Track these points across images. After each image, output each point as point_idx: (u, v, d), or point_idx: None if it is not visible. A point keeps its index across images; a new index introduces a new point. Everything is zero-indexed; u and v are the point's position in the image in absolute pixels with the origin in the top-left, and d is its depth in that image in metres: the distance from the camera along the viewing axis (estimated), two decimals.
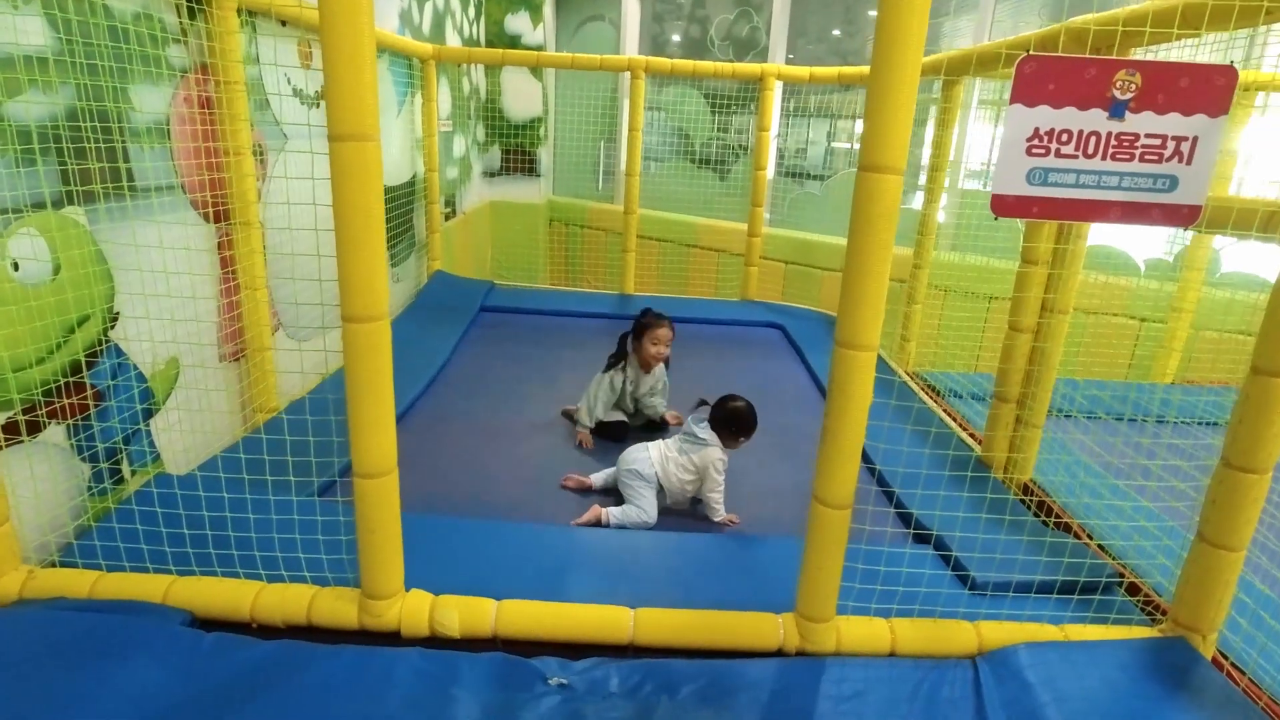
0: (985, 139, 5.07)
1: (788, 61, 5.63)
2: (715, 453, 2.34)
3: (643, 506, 2.31)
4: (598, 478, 2.49)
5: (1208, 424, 2.92)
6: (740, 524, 2.35)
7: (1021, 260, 2.42)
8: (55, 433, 1.90)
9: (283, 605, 1.71)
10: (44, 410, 1.85)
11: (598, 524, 2.27)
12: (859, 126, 5.88)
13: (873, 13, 5.64)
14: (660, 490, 2.37)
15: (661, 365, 2.94)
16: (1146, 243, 4.30)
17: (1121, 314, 4.14)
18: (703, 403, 2.46)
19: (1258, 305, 3.71)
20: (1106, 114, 1.39)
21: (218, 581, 1.76)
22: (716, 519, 2.35)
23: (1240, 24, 1.80)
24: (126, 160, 2.06)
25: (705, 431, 2.39)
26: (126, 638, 1.56)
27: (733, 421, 2.39)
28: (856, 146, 5.90)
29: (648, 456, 2.40)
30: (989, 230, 3.98)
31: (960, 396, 3.33)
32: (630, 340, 2.93)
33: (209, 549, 1.81)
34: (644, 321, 2.89)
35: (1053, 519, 2.27)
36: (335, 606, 1.71)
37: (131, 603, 1.68)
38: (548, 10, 5.92)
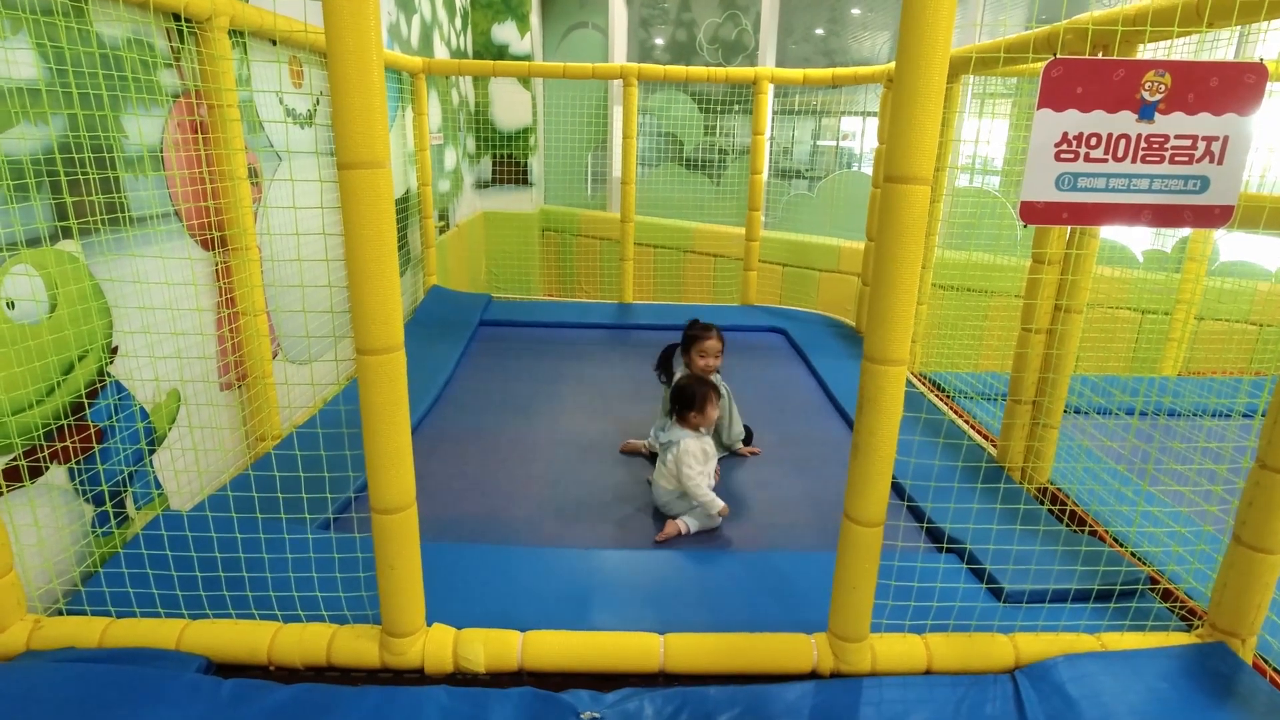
0: (973, 134, 5.06)
1: (775, 63, 5.61)
2: (684, 444, 2.33)
3: (703, 506, 2.30)
4: (680, 525, 2.32)
5: (1222, 415, 2.90)
6: (729, 513, 2.34)
7: (1033, 262, 2.39)
8: (57, 474, 1.84)
9: (301, 646, 1.66)
10: (45, 452, 1.79)
11: (679, 536, 2.29)
12: (845, 124, 5.88)
13: (856, 10, 5.64)
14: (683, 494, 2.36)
15: (719, 378, 2.86)
16: (1142, 234, 4.30)
17: (1122, 306, 4.14)
18: None
19: (1263, 294, 3.74)
20: (1136, 116, 1.36)
21: (232, 624, 1.70)
22: (713, 512, 2.30)
23: (1242, 19, 1.79)
24: (121, 191, 2.00)
25: (668, 431, 2.41)
26: (142, 688, 1.50)
27: (676, 403, 2.42)
28: (843, 144, 5.92)
29: (657, 484, 2.42)
30: (981, 226, 3.97)
31: (969, 398, 3.30)
32: (679, 352, 2.86)
33: (221, 589, 1.76)
34: (691, 333, 2.81)
35: (1077, 524, 2.24)
36: (356, 645, 1.66)
37: (144, 650, 1.62)
38: (534, 19, 5.88)
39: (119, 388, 2.03)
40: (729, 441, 2.87)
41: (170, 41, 2.19)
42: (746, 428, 2.94)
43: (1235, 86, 1.34)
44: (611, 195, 6.22)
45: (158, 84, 2.13)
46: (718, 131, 6.01)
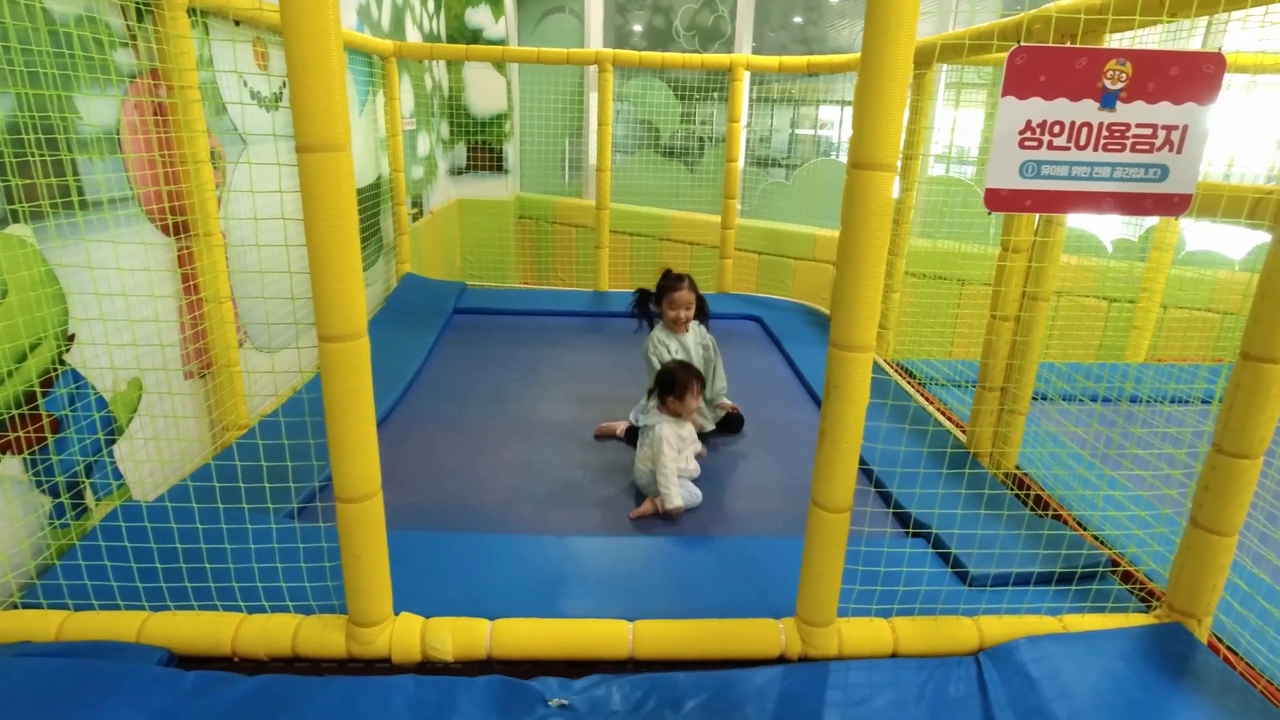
0: (948, 124, 5.10)
1: (752, 50, 5.60)
2: (660, 430, 2.36)
3: (663, 497, 2.31)
4: (656, 503, 2.37)
5: (1181, 401, 2.96)
6: (680, 516, 2.31)
7: (1002, 250, 2.41)
8: (11, 465, 1.79)
9: (265, 637, 1.64)
10: None
11: (655, 514, 2.33)
12: (823, 112, 5.89)
13: None
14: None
15: (700, 326, 2.91)
16: (1111, 223, 4.36)
17: (1090, 294, 4.20)
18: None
19: (1225, 283, 3.82)
20: (1098, 104, 1.37)
21: (195, 615, 1.67)
22: (669, 505, 2.28)
23: (1203, 10, 1.80)
24: (76, 174, 1.95)
25: (648, 415, 2.44)
26: (101, 682, 1.47)
27: (659, 386, 2.45)
28: (821, 133, 5.93)
29: (637, 466, 2.45)
30: (954, 215, 4.00)
31: (941, 385, 3.33)
32: (652, 304, 2.92)
33: (183, 581, 1.73)
34: (663, 284, 2.89)
35: (1042, 508, 2.27)
36: (321, 636, 1.64)
37: (103, 643, 1.59)
38: (509, 3, 5.80)
39: (75, 376, 1.98)
40: (712, 396, 2.91)
41: (126, 20, 2.12)
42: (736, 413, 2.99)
43: (1194, 76, 1.35)
44: (587, 182, 6.18)
45: (112, 63, 2.07)
46: (695, 119, 5.99)
